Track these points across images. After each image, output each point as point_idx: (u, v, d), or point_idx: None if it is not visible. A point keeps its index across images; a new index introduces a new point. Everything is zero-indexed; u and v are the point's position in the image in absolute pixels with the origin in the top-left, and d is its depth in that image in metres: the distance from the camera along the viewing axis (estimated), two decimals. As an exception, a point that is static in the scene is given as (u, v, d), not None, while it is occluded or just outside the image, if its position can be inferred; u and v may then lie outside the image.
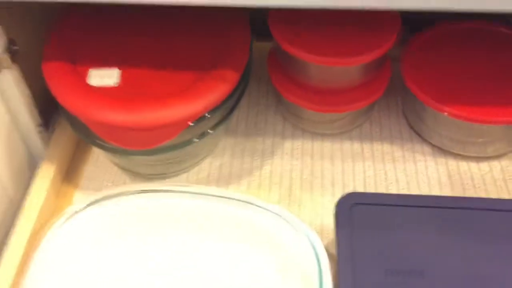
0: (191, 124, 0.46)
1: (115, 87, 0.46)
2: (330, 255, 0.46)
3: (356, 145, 0.58)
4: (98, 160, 0.57)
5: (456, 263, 0.41)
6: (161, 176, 0.54)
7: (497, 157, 0.56)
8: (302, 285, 0.41)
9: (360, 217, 0.43)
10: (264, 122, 0.60)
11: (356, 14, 0.44)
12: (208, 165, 0.56)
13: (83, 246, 0.44)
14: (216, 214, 0.45)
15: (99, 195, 0.46)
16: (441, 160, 0.56)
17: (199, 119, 0.47)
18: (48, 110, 0.55)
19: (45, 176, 0.53)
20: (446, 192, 0.54)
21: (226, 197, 0.46)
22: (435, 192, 0.54)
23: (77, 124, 0.49)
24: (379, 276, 0.40)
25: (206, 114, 0.47)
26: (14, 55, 0.47)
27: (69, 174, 0.56)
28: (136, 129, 0.44)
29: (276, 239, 0.44)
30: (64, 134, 0.56)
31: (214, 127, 0.51)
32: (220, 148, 0.58)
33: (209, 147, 0.56)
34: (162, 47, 0.50)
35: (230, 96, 0.49)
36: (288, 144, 0.58)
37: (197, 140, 0.49)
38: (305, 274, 0.41)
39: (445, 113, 0.51)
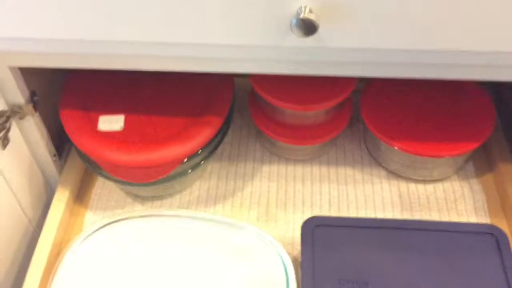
0: (185, 160, 0.56)
1: (121, 131, 0.56)
2: (298, 263, 0.57)
3: (324, 169, 0.69)
4: (104, 183, 0.67)
5: (395, 275, 0.51)
6: (158, 197, 0.64)
7: (441, 179, 0.67)
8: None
9: (320, 237, 0.54)
10: (246, 149, 0.71)
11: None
12: (198, 187, 0.67)
13: (98, 261, 0.54)
14: (203, 233, 0.56)
15: (107, 219, 0.56)
16: (394, 182, 0.67)
17: (192, 156, 0.57)
18: (60, 140, 0.65)
19: (61, 198, 0.62)
20: (397, 210, 0.64)
21: (211, 220, 0.56)
22: (388, 209, 0.64)
23: (86, 159, 0.59)
24: (333, 284, 0.51)
25: (198, 151, 0.57)
26: (35, 105, 0.56)
27: (80, 195, 0.66)
28: (139, 168, 0.54)
29: (253, 254, 0.55)
30: (74, 161, 0.66)
31: (204, 159, 0.61)
32: (208, 171, 0.68)
33: (199, 173, 0.66)
34: (159, 95, 0.60)
35: (217, 135, 0.59)
36: (265, 168, 0.69)
37: (191, 171, 0.59)
38: (276, 283, 0.52)
39: (396, 148, 0.62)
